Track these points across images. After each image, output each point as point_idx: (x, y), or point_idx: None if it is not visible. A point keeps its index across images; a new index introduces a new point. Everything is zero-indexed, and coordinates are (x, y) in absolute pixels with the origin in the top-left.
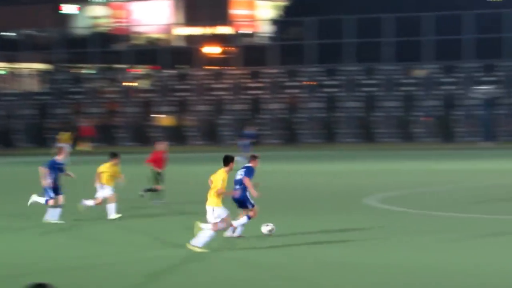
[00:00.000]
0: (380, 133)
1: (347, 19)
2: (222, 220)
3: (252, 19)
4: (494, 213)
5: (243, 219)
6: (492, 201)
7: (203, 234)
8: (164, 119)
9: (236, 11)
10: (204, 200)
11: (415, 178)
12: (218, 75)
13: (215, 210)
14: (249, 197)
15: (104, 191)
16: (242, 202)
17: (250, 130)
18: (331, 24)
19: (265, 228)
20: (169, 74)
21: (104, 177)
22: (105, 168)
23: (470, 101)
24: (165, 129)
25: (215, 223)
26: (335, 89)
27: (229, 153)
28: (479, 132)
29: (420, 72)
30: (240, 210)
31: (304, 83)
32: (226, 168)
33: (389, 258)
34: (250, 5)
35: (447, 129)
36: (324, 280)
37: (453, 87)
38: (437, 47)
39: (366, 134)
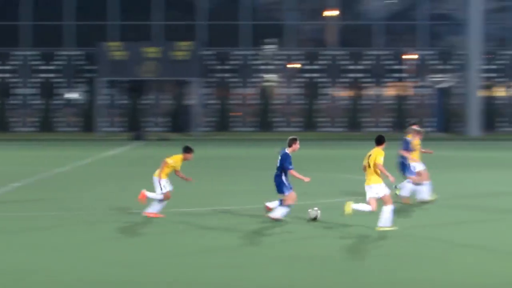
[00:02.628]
0: None
1: None
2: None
3: None
4: None
5: (274, 203)
6: None
7: (385, 214)
8: None
9: None
10: None
11: None
12: None
13: (373, 187)
14: (285, 182)
15: None
16: (277, 187)
17: None
18: None
19: (313, 213)
20: None
21: None
22: None
23: None
24: None
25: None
26: None
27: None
28: None
29: None
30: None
31: None
32: (382, 146)
33: None
34: None
35: None
36: None
37: None
38: None
39: None
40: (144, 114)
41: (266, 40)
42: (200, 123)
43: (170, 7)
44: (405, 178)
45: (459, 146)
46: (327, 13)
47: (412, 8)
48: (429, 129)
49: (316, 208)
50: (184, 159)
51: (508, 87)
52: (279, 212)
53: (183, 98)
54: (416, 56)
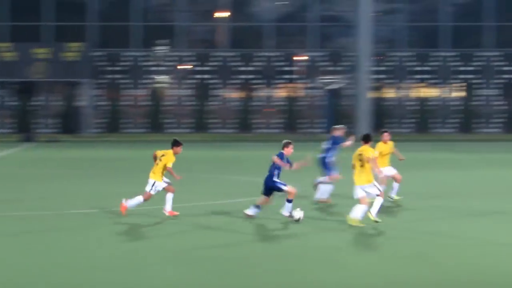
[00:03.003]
0: None
1: None
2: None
3: None
4: None
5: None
6: None
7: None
8: None
9: None
10: None
11: None
12: None
13: (365, 187)
14: (278, 181)
15: None
16: (272, 188)
17: None
18: None
19: (297, 214)
20: None
21: None
22: None
23: None
24: None
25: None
26: None
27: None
28: None
29: None
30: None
31: None
32: (369, 144)
33: None
34: None
35: None
36: None
37: None
38: None
39: None
40: (34, 116)
41: (157, 41)
42: (91, 124)
43: (61, 8)
44: (323, 174)
45: (349, 147)
46: (218, 15)
47: (303, 10)
48: (319, 130)
49: (299, 209)
50: (175, 153)
51: (398, 88)
52: (289, 209)
53: (73, 99)
54: (306, 58)
